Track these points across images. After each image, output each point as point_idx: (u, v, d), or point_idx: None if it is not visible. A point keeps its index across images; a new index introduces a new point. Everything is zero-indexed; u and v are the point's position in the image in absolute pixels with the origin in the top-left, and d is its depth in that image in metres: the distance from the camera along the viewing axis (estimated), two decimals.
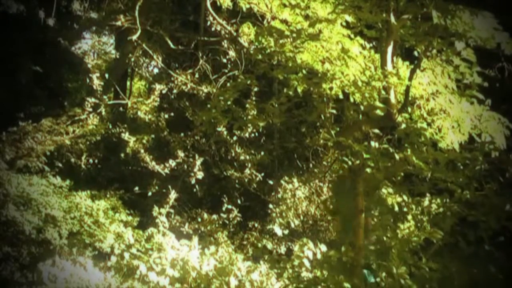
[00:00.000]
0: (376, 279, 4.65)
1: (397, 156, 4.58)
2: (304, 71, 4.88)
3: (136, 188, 9.09)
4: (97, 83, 8.93)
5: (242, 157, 9.21)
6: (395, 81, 4.64)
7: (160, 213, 7.60)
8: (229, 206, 8.83)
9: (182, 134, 9.47)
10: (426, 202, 5.04)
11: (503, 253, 5.13)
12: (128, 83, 14.52)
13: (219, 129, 8.58)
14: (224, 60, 9.74)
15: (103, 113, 9.45)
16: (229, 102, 5.35)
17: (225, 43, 9.58)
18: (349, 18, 4.78)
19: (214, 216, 8.61)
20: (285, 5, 5.16)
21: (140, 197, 9.17)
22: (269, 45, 4.99)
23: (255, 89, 8.54)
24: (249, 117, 6.63)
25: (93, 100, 9.03)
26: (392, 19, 4.42)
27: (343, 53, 4.79)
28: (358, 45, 4.93)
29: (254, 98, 8.35)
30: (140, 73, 13.71)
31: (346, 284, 4.65)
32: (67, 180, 7.98)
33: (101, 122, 9.56)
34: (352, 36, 4.88)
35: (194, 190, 9.22)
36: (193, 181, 8.96)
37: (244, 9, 6.22)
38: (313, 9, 5.00)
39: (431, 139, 4.80)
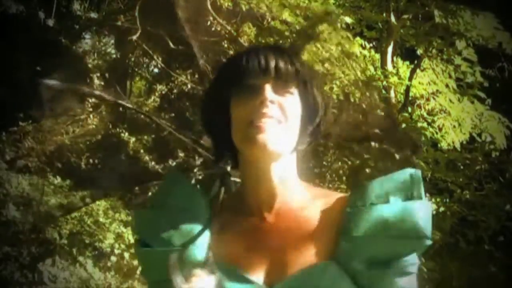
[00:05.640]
0: None
1: (397, 156, 4.58)
2: None
3: (136, 188, 9.09)
4: (97, 83, 8.94)
5: None
6: (395, 81, 4.64)
7: None
8: None
9: None
10: None
11: (503, 253, 5.13)
12: (128, 83, 14.52)
13: None
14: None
15: (103, 113, 9.45)
16: None
17: (225, 43, 9.57)
18: (349, 19, 4.78)
19: None
20: (284, 6, 5.15)
21: (140, 197, 9.17)
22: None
23: None
24: None
25: (93, 100, 9.04)
26: (393, 19, 4.42)
27: (344, 54, 4.79)
28: (358, 45, 4.93)
29: None
30: (140, 73, 13.70)
31: None
32: (67, 180, 7.98)
33: (101, 122, 9.56)
34: (352, 36, 4.88)
35: None
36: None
37: (244, 9, 6.22)
38: (313, 10, 5.01)
39: (431, 139, 4.80)
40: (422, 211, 1.12)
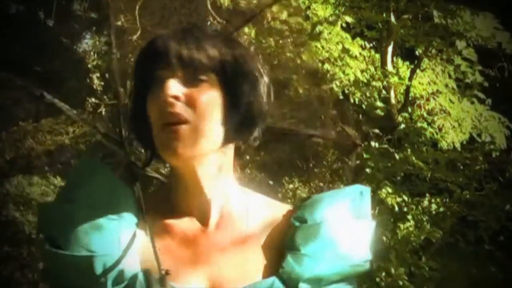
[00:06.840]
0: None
1: (397, 156, 4.58)
2: (304, 72, 4.90)
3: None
4: (97, 83, 8.92)
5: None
6: (395, 81, 4.65)
7: None
8: None
9: None
10: (426, 202, 5.05)
11: (503, 253, 5.14)
12: (128, 83, 14.52)
13: None
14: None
15: (103, 113, 9.44)
16: None
17: None
18: (350, 19, 4.79)
19: None
20: (285, 6, 5.17)
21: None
22: (269, 45, 5.01)
23: None
24: None
25: (93, 100, 9.02)
26: (393, 19, 4.42)
27: (344, 53, 4.80)
28: (358, 45, 4.94)
29: None
30: None
31: None
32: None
33: (101, 122, 9.55)
34: (352, 36, 4.89)
35: None
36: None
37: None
38: (313, 10, 5.01)
39: (431, 139, 4.80)
40: (369, 232, 1.06)
